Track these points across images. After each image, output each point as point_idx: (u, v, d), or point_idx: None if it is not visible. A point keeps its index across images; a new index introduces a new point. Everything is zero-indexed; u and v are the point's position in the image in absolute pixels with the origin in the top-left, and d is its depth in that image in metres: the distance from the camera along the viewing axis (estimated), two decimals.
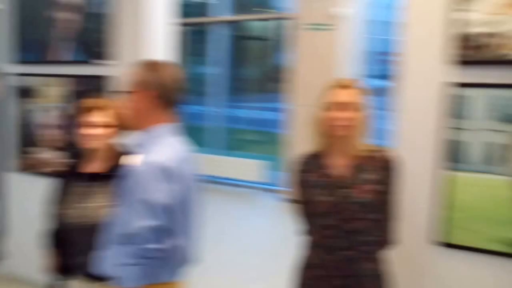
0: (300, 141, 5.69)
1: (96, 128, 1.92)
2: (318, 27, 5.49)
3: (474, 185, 1.89)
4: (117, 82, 2.64)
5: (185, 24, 7.37)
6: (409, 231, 2.00)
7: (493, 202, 1.86)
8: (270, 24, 7.39)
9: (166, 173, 1.60)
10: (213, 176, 6.74)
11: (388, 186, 1.74)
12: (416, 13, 1.97)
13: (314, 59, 5.55)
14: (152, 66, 1.70)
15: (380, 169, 1.74)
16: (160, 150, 1.64)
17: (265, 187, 6.40)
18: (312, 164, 1.86)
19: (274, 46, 7.34)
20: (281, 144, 6.03)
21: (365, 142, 1.76)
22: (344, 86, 1.74)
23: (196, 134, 7.55)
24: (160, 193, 1.58)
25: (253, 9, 7.76)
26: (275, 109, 6.71)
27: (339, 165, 1.78)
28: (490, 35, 1.80)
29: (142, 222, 1.55)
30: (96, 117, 1.92)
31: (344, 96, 1.71)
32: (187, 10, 8.05)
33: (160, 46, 2.93)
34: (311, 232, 1.82)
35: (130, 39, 2.85)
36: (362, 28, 5.60)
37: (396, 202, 1.76)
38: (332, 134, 1.74)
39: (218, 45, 7.21)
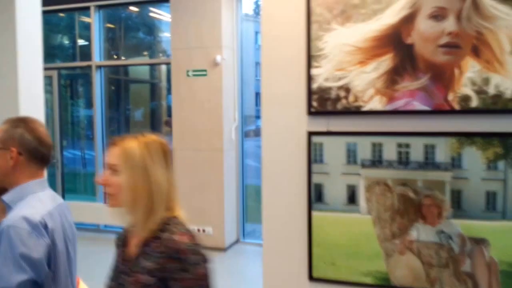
0: (181, 185, 5.78)
1: None
2: (197, 73, 5.66)
3: (337, 223, 2.07)
4: None
5: (69, 68, 7.24)
6: (287, 267, 2.17)
7: (356, 238, 2.05)
8: (157, 67, 7.46)
9: (37, 228, 1.61)
10: (94, 224, 6.53)
11: (166, 280, 1.41)
12: (276, 67, 2.16)
13: (193, 104, 5.71)
14: (13, 123, 1.72)
15: (162, 257, 1.42)
16: (30, 206, 1.66)
17: None
18: (122, 240, 1.63)
19: (161, 90, 7.40)
20: None
21: (159, 216, 1.49)
22: (113, 143, 1.52)
23: (78, 181, 7.30)
24: (33, 248, 1.58)
25: (143, 53, 7.80)
26: None
27: (133, 244, 1.53)
28: (341, 89, 2.02)
29: (16, 277, 1.54)
30: None
31: (108, 155, 1.49)
32: (67, 53, 7.91)
33: (34, 96, 2.88)
34: None
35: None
36: (250, 71, 5.86)
37: None
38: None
39: (101, 88, 7.12)
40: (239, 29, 5.92)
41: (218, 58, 5.52)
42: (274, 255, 2.21)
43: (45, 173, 1.79)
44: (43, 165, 1.76)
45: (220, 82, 5.59)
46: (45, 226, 1.63)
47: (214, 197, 5.72)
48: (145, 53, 7.68)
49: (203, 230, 5.71)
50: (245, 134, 6.26)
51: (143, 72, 7.98)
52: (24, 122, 1.72)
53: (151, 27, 7.37)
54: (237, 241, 5.97)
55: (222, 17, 5.60)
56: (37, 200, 1.69)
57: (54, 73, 6.87)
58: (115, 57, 7.47)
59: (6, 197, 1.70)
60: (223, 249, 5.73)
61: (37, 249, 1.58)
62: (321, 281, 2.11)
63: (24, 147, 1.68)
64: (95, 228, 6.63)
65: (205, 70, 5.61)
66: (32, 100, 2.86)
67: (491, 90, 1.84)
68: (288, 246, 2.17)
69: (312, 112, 2.08)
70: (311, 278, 2.12)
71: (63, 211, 1.80)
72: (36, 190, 1.72)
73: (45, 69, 6.40)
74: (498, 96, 1.84)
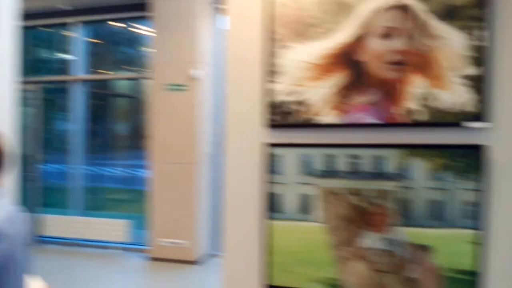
0: (158, 198, 5.86)
1: None
2: (175, 87, 5.76)
3: (291, 231, 2.16)
4: None
5: (47, 82, 7.29)
6: (246, 276, 2.25)
7: (309, 246, 2.14)
8: (138, 82, 7.54)
9: None
10: (75, 239, 6.55)
11: None
12: (237, 82, 2.26)
13: (171, 118, 5.79)
14: None
15: None
16: None
17: (131, 247, 6.33)
18: None
19: (140, 104, 7.48)
20: (144, 202, 6.08)
21: None
22: None
23: (58, 195, 7.31)
24: None
25: (122, 66, 7.89)
26: (140, 167, 6.77)
27: None
28: (296, 103, 2.13)
29: None
30: None
31: None
32: (50, 67, 7.97)
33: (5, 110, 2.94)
34: None
35: None
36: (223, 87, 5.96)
37: None
38: None
39: (82, 102, 7.17)
40: (217, 45, 6.04)
41: (195, 73, 5.63)
42: (234, 264, 2.29)
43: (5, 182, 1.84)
44: (3, 174, 1.80)
45: (197, 96, 5.69)
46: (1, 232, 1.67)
47: (188, 210, 5.78)
48: (127, 67, 7.77)
49: (177, 243, 5.76)
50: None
51: (127, 86, 8.05)
52: None
53: (134, 42, 7.48)
54: (212, 255, 6.02)
55: (200, 32, 5.72)
56: None
57: (38, 87, 6.94)
58: (100, 71, 7.54)
59: None
60: (195, 262, 5.77)
61: None
62: None
63: None
64: (72, 242, 6.63)
65: (183, 85, 5.71)
66: (2, 113, 2.94)
67: (435, 104, 1.96)
68: (246, 255, 2.26)
69: (271, 125, 2.18)
70: (269, 286, 2.20)
71: (19, 219, 1.84)
72: None
73: (28, 83, 6.48)
74: (441, 110, 1.95)
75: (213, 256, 5.97)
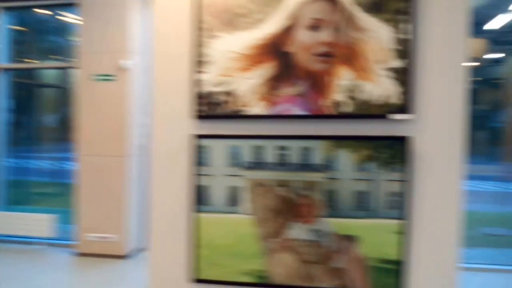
0: (86, 191, 5.67)
1: None
2: (103, 77, 5.57)
3: (219, 224, 2.13)
4: None
5: None
6: (172, 270, 2.20)
7: (237, 238, 2.11)
8: (65, 71, 7.23)
9: None
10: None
11: None
12: (164, 72, 2.19)
13: (99, 109, 5.61)
14: None
15: None
16: None
17: (57, 242, 6.10)
18: None
19: (67, 95, 7.18)
20: (71, 195, 5.87)
21: None
22: None
23: None
24: None
25: (48, 56, 7.53)
26: (67, 159, 6.52)
27: None
28: (224, 93, 2.09)
29: None
30: None
31: None
32: None
33: None
34: None
35: None
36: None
37: None
38: None
39: (5, 92, 6.79)
40: (147, 34, 5.88)
41: (125, 63, 5.46)
42: (160, 259, 2.23)
43: None
44: None
45: (127, 87, 5.53)
46: None
47: (117, 203, 5.63)
48: (54, 56, 7.44)
49: (105, 237, 5.60)
50: None
51: (55, 76, 7.71)
52: None
53: (61, 31, 7.16)
54: (142, 249, 5.89)
55: (129, 21, 5.55)
56: None
57: None
58: (25, 60, 7.17)
59: None
60: (125, 257, 5.64)
61: None
62: (205, 282, 2.15)
63: None
64: None
65: (112, 75, 5.53)
66: None
67: (361, 97, 1.98)
68: (173, 249, 2.20)
69: (199, 116, 2.13)
70: (196, 280, 2.16)
71: None
72: None
73: None
74: (367, 102, 1.98)
75: (143, 250, 5.85)
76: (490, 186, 8.87)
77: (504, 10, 8.05)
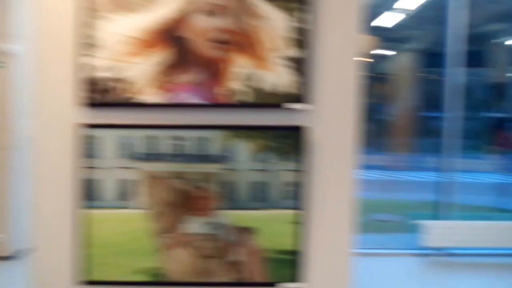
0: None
1: None
2: None
3: (110, 220, 1.99)
4: None
5: None
6: (57, 272, 2.04)
7: (130, 235, 1.99)
8: None
9: None
10: None
11: None
12: (46, 56, 2.00)
13: None
14: None
15: None
16: None
17: None
18: None
19: None
20: None
21: None
22: None
23: None
24: None
25: None
26: None
27: None
28: (115, 80, 1.95)
29: None
30: None
31: None
32: None
33: None
34: None
35: None
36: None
37: None
38: None
39: None
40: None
41: (10, 47, 5.03)
42: (44, 261, 2.05)
43: None
44: None
45: (13, 74, 5.10)
46: None
47: (1, 200, 5.20)
48: None
49: None
50: None
51: None
52: None
53: None
54: (31, 249, 5.51)
55: (13, 1, 5.12)
56: None
57: None
58: None
59: None
60: (10, 258, 5.24)
61: None
62: (95, 283, 2.00)
63: None
64: None
65: None
66: None
67: (259, 85, 1.94)
68: (59, 249, 2.02)
69: (85, 104, 1.97)
70: (85, 282, 2.00)
71: None
72: None
73: None
74: (264, 91, 1.94)
75: (30, 251, 5.46)
76: (379, 175, 9.40)
77: (390, 8, 8.50)
